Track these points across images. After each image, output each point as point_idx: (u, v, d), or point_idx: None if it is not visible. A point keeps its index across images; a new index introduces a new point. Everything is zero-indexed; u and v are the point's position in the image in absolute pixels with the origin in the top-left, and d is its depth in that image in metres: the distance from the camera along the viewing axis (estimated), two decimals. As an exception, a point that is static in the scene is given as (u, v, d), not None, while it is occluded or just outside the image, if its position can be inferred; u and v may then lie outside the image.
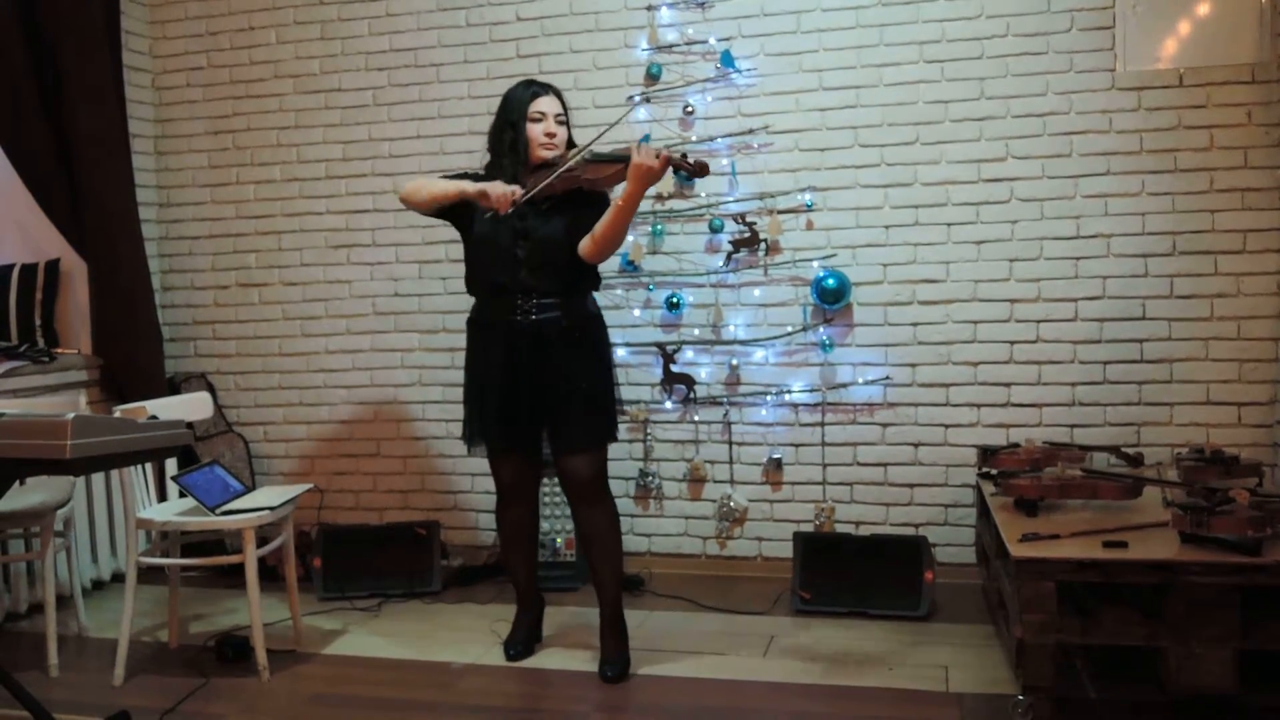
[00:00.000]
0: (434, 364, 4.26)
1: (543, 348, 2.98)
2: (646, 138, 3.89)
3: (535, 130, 2.99)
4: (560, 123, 3.03)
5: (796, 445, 3.92)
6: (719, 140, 3.91)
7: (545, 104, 3.01)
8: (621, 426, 3.25)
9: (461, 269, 4.14)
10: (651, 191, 3.27)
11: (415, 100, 4.22)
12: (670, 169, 2.91)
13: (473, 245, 3.09)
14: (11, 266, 4.16)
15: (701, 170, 2.94)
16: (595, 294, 3.16)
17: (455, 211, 3.07)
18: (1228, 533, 2.46)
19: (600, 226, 2.92)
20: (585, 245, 2.96)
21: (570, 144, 3.09)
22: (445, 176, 3.10)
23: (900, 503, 3.85)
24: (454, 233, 4.10)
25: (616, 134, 3.14)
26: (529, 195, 2.90)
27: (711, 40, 3.90)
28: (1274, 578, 2.40)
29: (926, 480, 3.82)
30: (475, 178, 3.03)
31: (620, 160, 2.87)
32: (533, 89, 3.04)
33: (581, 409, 3.01)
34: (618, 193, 2.89)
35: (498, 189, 2.88)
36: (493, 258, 3.01)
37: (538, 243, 2.98)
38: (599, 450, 3.06)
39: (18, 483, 3.17)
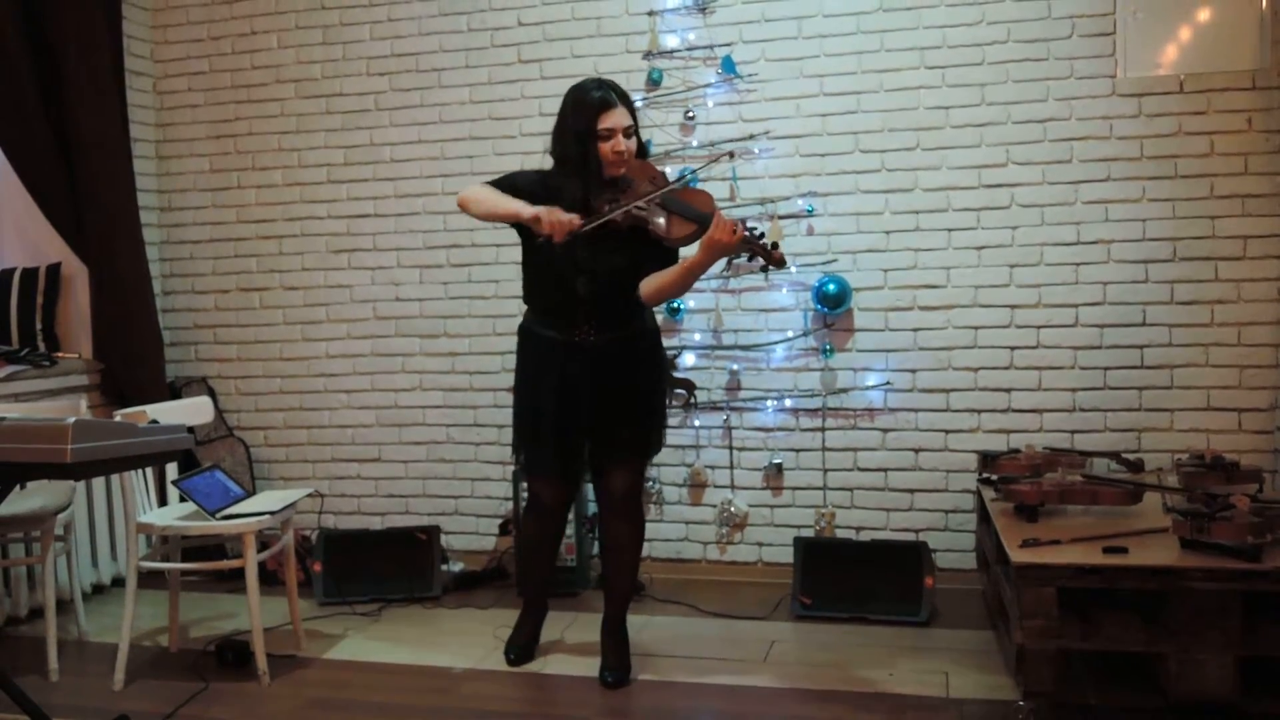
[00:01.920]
0: (435, 369, 4.26)
1: (599, 369, 2.91)
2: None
3: (603, 148, 2.80)
4: (629, 136, 2.83)
5: (797, 450, 3.91)
6: (720, 145, 3.91)
7: (615, 119, 2.80)
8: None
9: (463, 274, 4.23)
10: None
11: (416, 105, 4.22)
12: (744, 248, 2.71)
13: (532, 264, 2.97)
14: (12, 270, 4.16)
15: (778, 262, 2.74)
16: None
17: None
18: (1228, 539, 2.46)
19: (662, 282, 2.79)
20: (644, 291, 2.82)
21: (640, 151, 2.93)
22: (499, 181, 2.93)
23: (901, 508, 3.85)
24: (455, 236, 4.19)
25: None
26: (587, 227, 2.73)
27: (713, 46, 3.91)
28: (1275, 584, 2.40)
29: (927, 485, 3.81)
30: (543, 180, 2.90)
31: (697, 221, 2.70)
32: (600, 96, 2.81)
33: (627, 423, 2.96)
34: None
35: (555, 216, 2.70)
36: (554, 286, 2.88)
37: (599, 279, 2.85)
38: (639, 464, 3.04)
39: (18, 487, 3.16)
